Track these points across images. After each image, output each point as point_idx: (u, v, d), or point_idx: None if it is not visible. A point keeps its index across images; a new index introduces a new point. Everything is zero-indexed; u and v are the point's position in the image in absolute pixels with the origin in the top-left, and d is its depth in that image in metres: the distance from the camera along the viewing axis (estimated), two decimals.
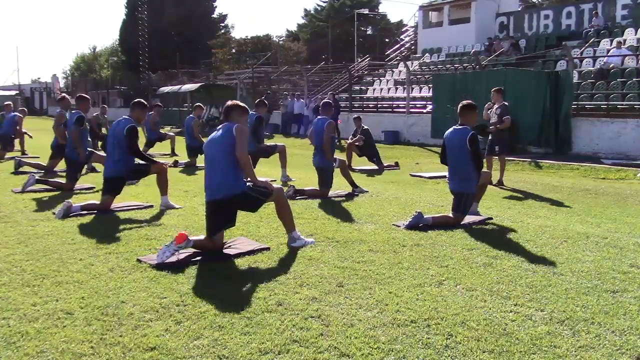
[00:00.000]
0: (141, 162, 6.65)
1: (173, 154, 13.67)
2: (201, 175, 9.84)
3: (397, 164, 11.93)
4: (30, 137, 14.15)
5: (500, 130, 9.07)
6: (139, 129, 6.61)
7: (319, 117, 7.86)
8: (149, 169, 6.71)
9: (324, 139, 7.51)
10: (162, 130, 15.07)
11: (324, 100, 8.66)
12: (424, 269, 4.20)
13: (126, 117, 6.56)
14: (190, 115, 12.37)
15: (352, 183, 7.86)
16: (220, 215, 4.60)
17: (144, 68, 39.05)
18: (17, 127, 13.51)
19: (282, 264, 4.33)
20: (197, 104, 12.78)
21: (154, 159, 7.08)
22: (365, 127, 11.82)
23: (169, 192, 6.77)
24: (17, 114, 13.73)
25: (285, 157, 9.49)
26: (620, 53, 16.17)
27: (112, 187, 6.40)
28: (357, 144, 11.41)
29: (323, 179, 7.57)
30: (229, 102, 4.92)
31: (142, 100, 6.86)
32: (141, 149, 14.25)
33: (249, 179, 4.64)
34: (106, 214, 6.18)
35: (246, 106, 4.94)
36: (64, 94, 11.58)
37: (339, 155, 8.48)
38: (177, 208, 6.55)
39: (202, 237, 4.66)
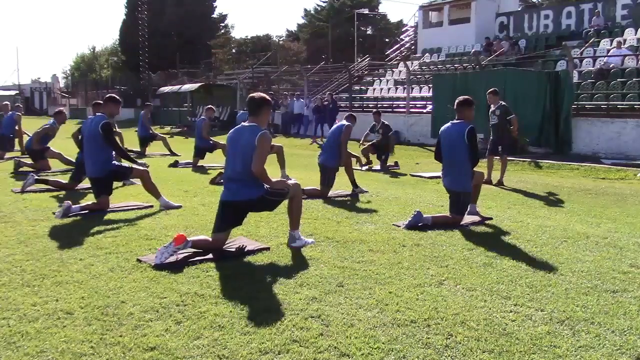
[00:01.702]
0: (124, 164, 6.59)
1: (172, 154, 13.69)
2: (201, 176, 9.89)
3: (396, 164, 11.94)
4: (29, 136, 13.97)
5: (503, 130, 9.09)
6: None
7: (341, 122, 8.07)
8: (129, 172, 6.62)
9: (342, 139, 7.70)
10: (152, 131, 15.08)
11: (348, 113, 8.85)
12: (424, 269, 4.20)
13: (99, 113, 6.55)
14: (202, 117, 12.49)
15: (354, 182, 7.88)
16: (234, 215, 4.63)
17: (144, 68, 39.02)
18: (17, 127, 13.24)
19: (282, 264, 4.33)
20: (208, 106, 12.97)
21: (134, 157, 7.00)
22: (386, 122, 11.86)
23: (169, 192, 6.78)
24: (16, 112, 13.40)
25: (283, 157, 9.50)
26: (620, 53, 16.17)
27: (100, 187, 6.36)
28: (374, 142, 11.48)
29: (325, 178, 7.61)
30: (256, 95, 4.71)
31: (114, 95, 6.89)
32: (138, 148, 14.38)
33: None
34: (106, 214, 6.18)
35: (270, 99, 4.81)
36: (61, 109, 11.50)
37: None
38: (177, 207, 6.55)
39: (202, 236, 4.66)
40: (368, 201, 7.29)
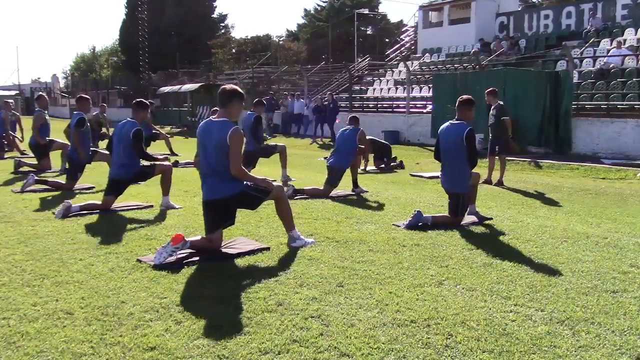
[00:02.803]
0: (146, 164, 6.66)
1: (172, 154, 13.68)
2: None
3: (401, 163, 11.89)
4: (21, 140, 13.38)
5: (500, 131, 9.11)
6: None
7: (350, 126, 8.20)
8: (154, 171, 6.71)
9: (365, 146, 8.26)
10: (156, 130, 15.02)
11: (351, 115, 8.87)
12: (424, 269, 4.20)
13: (130, 119, 6.57)
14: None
15: (355, 182, 7.91)
16: (218, 214, 4.54)
17: (144, 68, 39.02)
18: (6, 127, 12.69)
19: (282, 264, 4.32)
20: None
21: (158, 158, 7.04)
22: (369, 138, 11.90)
23: (169, 192, 6.77)
24: (4, 111, 12.88)
25: (286, 157, 9.50)
26: (620, 53, 16.16)
27: (116, 188, 6.42)
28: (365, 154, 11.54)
29: (332, 178, 7.65)
30: (228, 87, 4.58)
31: (143, 100, 6.92)
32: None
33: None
34: (106, 214, 6.18)
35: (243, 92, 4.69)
36: (41, 93, 11.28)
37: None
38: (177, 208, 6.55)
39: (200, 237, 4.65)
40: (368, 201, 7.29)
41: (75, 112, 8.25)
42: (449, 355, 2.80)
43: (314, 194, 7.46)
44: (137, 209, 6.50)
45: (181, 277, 3.97)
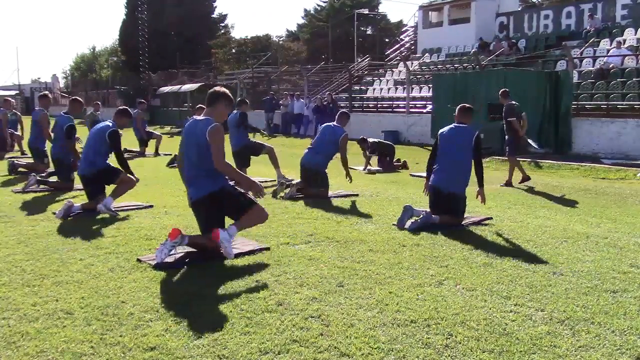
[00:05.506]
0: (112, 165, 6.48)
1: (156, 154, 13.80)
2: None
3: (405, 164, 11.88)
4: (22, 138, 13.41)
5: (509, 131, 9.19)
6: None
7: (334, 124, 7.83)
8: (118, 175, 6.47)
9: (341, 153, 7.65)
10: (151, 129, 15.07)
11: (341, 111, 8.58)
12: (424, 269, 4.20)
13: (110, 121, 6.54)
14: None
15: (347, 174, 7.83)
16: (206, 213, 4.51)
17: (144, 68, 38.97)
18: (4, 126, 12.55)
19: (282, 264, 4.32)
20: (198, 105, 12.99)
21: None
22: (374, 141, 11.83)
23: (169, 192, 6.77)
24: (3, 109, 12.78)
25: (276, 158, 9.43)
26: (620, 53, 16.17)
27: (92, 185, 6.34)
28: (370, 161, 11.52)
29: (318, 181, 7.52)
30: (217, 88, 4.61)
31: (128, 109, 6.90)
32: (137, 149, 14.39)
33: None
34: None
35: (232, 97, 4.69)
36: (45, 92, 11.29)
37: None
38: (115, 215, 6.09)
39: (199, 235, 4.63)
40: (368, 201, 7.29)
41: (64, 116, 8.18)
42: (449, 355, 2.80)
43: (313, 195, 7.44)
44: (137, 209, 6.49)
45: (181, 277, 3.97)
